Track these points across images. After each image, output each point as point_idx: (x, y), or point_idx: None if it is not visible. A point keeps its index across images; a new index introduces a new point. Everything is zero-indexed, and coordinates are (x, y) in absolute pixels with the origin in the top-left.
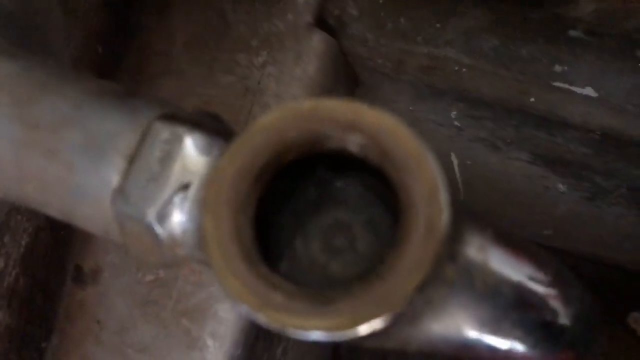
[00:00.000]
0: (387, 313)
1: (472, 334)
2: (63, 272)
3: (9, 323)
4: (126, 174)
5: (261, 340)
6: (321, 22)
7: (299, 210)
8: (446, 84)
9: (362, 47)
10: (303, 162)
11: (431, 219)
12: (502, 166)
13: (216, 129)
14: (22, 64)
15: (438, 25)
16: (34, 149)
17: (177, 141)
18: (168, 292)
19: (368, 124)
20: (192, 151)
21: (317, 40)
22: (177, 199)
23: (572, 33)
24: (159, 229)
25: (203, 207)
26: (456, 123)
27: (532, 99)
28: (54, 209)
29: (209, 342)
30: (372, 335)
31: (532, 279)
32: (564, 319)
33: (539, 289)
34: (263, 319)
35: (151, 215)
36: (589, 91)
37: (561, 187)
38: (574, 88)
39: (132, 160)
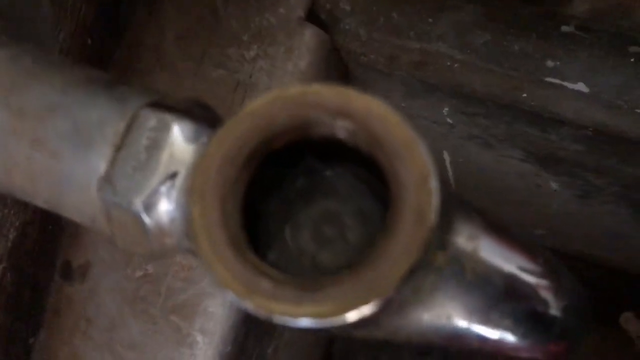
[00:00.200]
0: (376, 299)
1: (462, 323)
2: (51, 267)
3: None
4: (113, 162)
5: (252, 338)
6: (313, 17)
7: (289, 200)
8: (438, 79)
9: (355, 42)
10: (292, 152)
11: (421, 205)
12: (495, 164)
13: (204, 117)
14: (9, 52)
15: (430, 20)
16: (20, 136)
17: (165, 129)
18: (157, 288)
19: (357, 109)
20: (179, 139)
21: (309, 35)
22: (164, 188)
23: (565, 29)
24: (146, 218)
25: (190, 193)
26: (449, 120)
27: (525, 95)
28: (41, 199)
29: (199, 338)
30: (362, 323)
31: (523, 269)
32: (554, 310)
33: (530, 279)
34: (250, 306)
35: (138, 204)
36: (581, 87)
37: (554, 185)
38: (566, 83)
39: (119, 148)
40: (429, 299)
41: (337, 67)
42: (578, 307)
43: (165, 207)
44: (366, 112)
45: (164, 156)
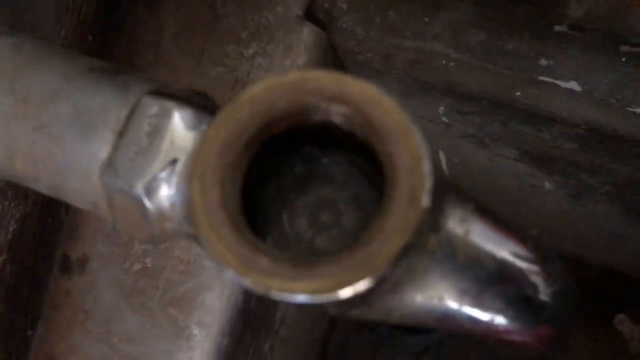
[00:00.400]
0: (370, 276)
1: (453, 304)
2: (50, 260)
3: None
4: (115, 148)
5: (249, 331)
6: (311, 15)
7: (286, 186)
8: (434, 78)
9: (351, 40)
10: (290, 138)
11: (414, 187)
12: (490, 164)
13: (204, 105)
14: (12, 40)
15: (426, 19)
16: (24, 122)
17: (166, 116)
18: (155, 281)
19: (353, 94)
20: (180, 126)
21: (307, 33)
22: (164, 174)
23: (558, 28)
24: (147, 202)
25: (191, 175)
26: (444, 119)
27: (519, 93)
28: (43, 184)
29: (196, 331)
30: (356, 300)
31: (513, 253)
32: (544, 295)
33: (521, 264)
34: (249, 282)
35: (139, 188)
36: (574, 85)
37: (548, 185)
38: (558, 82)
39: (121, 134)
40: (422, 280)
41: (334, 65)
42: (567, 293)
43: (166, 192)
44: (361, 97)
45: (165, 142)
